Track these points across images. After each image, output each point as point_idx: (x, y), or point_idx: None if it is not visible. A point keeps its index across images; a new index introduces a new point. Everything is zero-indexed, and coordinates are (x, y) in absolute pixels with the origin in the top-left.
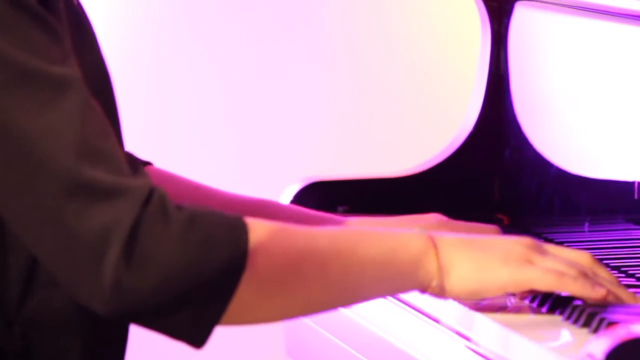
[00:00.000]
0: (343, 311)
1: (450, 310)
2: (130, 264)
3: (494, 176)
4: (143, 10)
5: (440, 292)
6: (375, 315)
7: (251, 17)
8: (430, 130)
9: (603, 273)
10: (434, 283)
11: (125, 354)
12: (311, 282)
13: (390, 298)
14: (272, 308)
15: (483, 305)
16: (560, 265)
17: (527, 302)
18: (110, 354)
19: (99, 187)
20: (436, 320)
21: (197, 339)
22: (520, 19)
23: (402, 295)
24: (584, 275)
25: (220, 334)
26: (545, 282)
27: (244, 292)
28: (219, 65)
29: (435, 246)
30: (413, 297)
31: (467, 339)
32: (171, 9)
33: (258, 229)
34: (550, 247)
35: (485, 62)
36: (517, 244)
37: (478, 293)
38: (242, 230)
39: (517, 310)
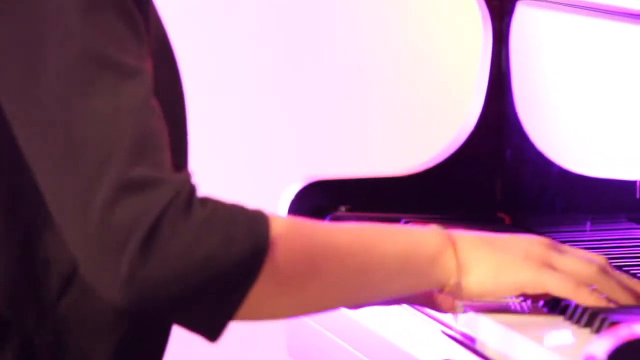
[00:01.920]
0: (344, 311)
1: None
2: (146, 256)
3: (496, 175)
4: None
5: (458, 291)
6: (378, 315)
7: (252, 15)
8: (432, 129)
9: (618, 277)
10: (452, 281)
11: None
12: (330, 277)
13: None
14: (290, 303)
15: (485, 305)
16: (579, 268)
17: (528, 301)
18: None
19: (136, 180)
20: (440, 322)
21: (212, 332)
22: (522, 17)
23: None
24: (602, 280)
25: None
26: (562, 291)
27: (262, 287)
28: (220, 63)
29: (453, 244)
30: None
31: (471, 339)
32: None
33: (278, 224)
34: (568, 249)
35: (486, 61)
36: (536, 244)
37: (495, 293)
38: (262, 225)
39: (519, 310)
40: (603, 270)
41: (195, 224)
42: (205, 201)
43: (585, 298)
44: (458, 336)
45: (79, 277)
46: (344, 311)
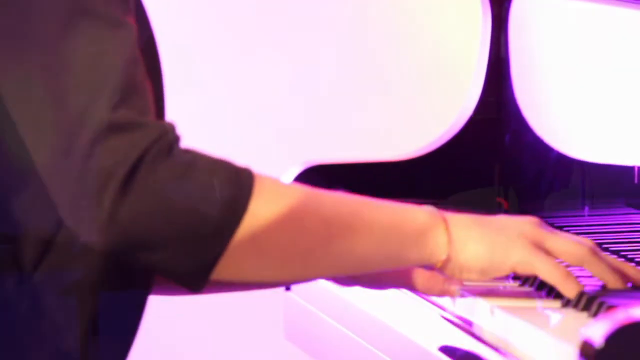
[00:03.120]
0: (341, 294)
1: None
2: (126, 194)
3: (494, 160)
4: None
5: (450, 268)
6: (375, 299)
7: (250, 4)
8: (431, 114)
9: (607, 259)
10: (443, 257)
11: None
12: (314, 238)
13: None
14: (272, 264)
15: (483, 289)
16: (569, 249)
17: (526, 286)
18: (117, 330)
19: (119, 122)
20: (438, 306)
21: (193, 280)
22: (521, 2)
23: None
24: (591, 261)
25: (219, 318)
26: (551, 277)
27: (244, 240)
28: (220, 50)
29: (445, 221)
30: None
31: (468, 322)
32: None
33: (264, 180)
34: (557, 231)
35: (485, 47)
36: (528, 225)
37: (487, 272)
38: (246, 177)
39: (516, 294)
40: (592, 252)
41: (177, 165)
42: (188, 150)
43: (570, 289)
44: (456, 320)
45: (55, 247)
46: (341, 295)
